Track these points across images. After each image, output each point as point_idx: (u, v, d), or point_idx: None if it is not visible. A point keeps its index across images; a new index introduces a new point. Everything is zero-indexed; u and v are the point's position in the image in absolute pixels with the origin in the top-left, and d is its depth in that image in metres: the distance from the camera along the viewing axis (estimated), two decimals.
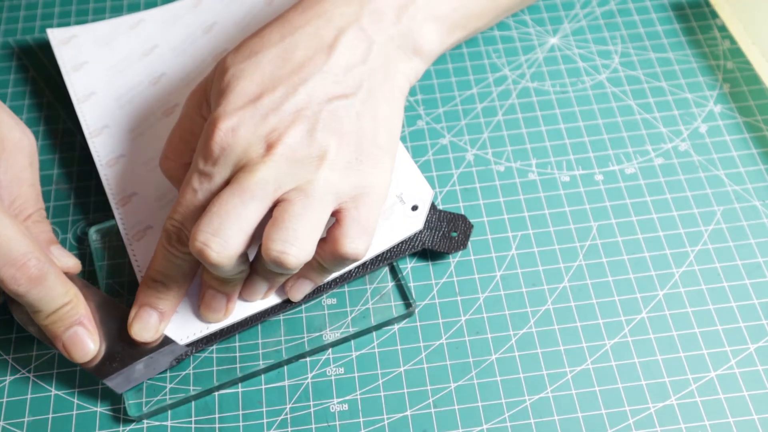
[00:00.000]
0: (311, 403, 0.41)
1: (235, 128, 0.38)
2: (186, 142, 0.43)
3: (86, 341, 0.40)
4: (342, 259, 0.39)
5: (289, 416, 0.40)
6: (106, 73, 0.52)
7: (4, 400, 0.41)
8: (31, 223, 0.43)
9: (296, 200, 0.38)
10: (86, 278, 0.45)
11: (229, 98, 0.39)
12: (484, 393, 0.41)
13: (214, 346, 0.42)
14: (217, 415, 0.40)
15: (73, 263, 0.43)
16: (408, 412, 0.40)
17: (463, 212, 0.47)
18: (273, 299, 0.42)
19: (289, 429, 0.40)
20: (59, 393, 0.41)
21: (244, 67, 0.40)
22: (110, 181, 0.47)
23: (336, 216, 0.39)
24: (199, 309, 0.42)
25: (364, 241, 0.39)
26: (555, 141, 0.49)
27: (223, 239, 0.37)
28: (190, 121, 0.43)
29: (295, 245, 0.37)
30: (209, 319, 0.42)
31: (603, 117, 0.50)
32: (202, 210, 0.39)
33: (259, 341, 0.42)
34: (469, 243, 0.45)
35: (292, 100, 0.39)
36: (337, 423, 0.40)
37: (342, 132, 0.40)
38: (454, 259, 0.45)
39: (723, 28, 0.54)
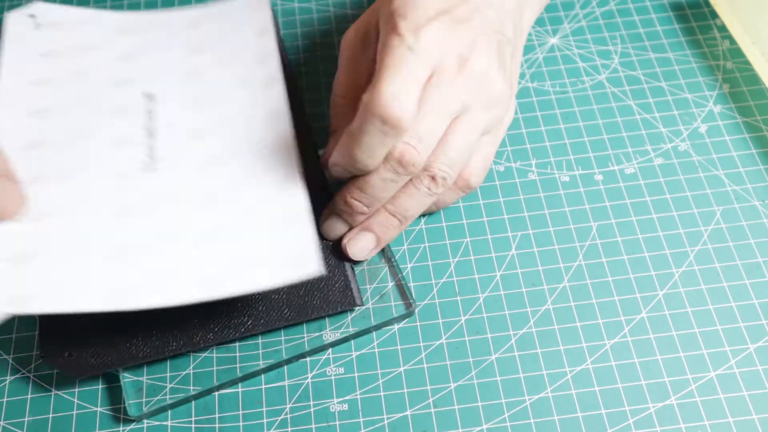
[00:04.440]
0: (311, 403, 0.41)
1: (438, 30, 0.40)
2: (354, 83, 0.44)
3: None
4: (461, 190, 0.44)
5: (289, 416, 0.40)
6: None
7: (4, 400, 0.41)
8: None
9: (466, 131, 0.41)
10: None
11: (421, 10, 0.40)
12: (484, 393, 0.41)
13: (214, 346, 0.42)
14: (217, 415, 0.41)
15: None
16: (408, 412, 0.40)
17: (462, 212, 0.47)
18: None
19: (289, 429, 0.40)
20: (59, 393, 0.41)
21: None
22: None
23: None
24: (346, 240, 0.43)
25: (484, 175, 0.44)
26: (555, 141, 0.49)
27: (425, 145, 0.40)
28: (355, 62, 0.45)
29: (455, 168, 0.41)
30: (356, 254, 0.43)
31: (603, 117, 0.50)
32: (418, 86, 0.39)
33: (259, 341, 0.42)
34: (469, 243, 0.45)
35: (474, 19, 0.41)
36: (337, 423, 0.40)
37: (505, 66, 0.42)
38: (454, 260, 0.45)
39: (723, 28, 0.54)
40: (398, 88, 0.38)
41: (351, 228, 0.44)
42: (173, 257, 0.41)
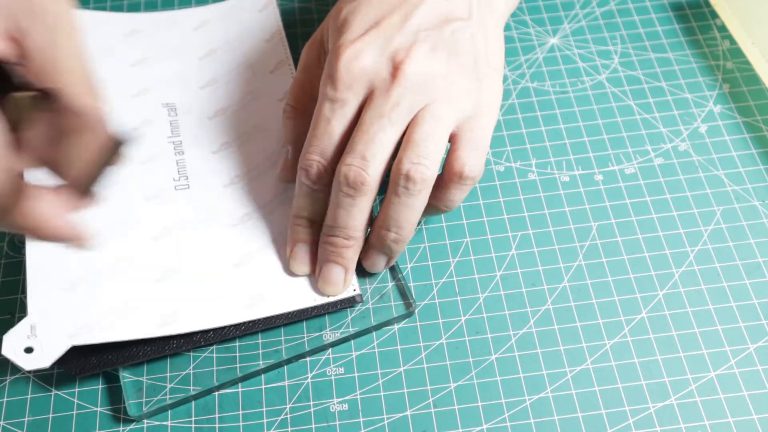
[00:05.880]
0: (311, 403, 0.41)
1: (362, 52, 0.40)
2: (307, 92, 0.44)
3: None
4: (462, 182, 0.41)
5: (289, 416, 0.40)
6: None
7: (4, 400, 0.41)
8: None
9: (426, 121, 0.40)
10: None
11: (351, 28, 0.41)
12: (484, 393, 0.41)
13: (214, 346, 0.42)
14: (217, 415, 0.41)
15: None
16: (408, 412, 0.40)
17: (462, 212, 0.47)
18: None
19: (289, 429, 0.40)
20: (59, 393, 0.41)
21: (359, 3, 0.42)
22: None
23: (451, 139, 0.41)
24: (317, 284, 0.43)
25: (481, 162, 0.41)
26: (555, 141, 0.49)
27: (372, 163, 0.39)
28: (309, 73, 0.45)
29: (429, 159, 0.39)
30: (329, 292, 0.42)
31: (603, 117, 0.50)
32: (339, 139, 0.40)
33: (259, 341, 0.42)
34: (469, 243, 0.45)
35: (411, 20, 0.41)
36: (337, 423, 0.40)
37: (460, 52, 0.41)
38: (454, 260, 0.45)
39: (723, 28, 0.54)
40: (313, 147, 0.41)
41: (346, 271, 0.42)
42: (217, 278, 0.42)
